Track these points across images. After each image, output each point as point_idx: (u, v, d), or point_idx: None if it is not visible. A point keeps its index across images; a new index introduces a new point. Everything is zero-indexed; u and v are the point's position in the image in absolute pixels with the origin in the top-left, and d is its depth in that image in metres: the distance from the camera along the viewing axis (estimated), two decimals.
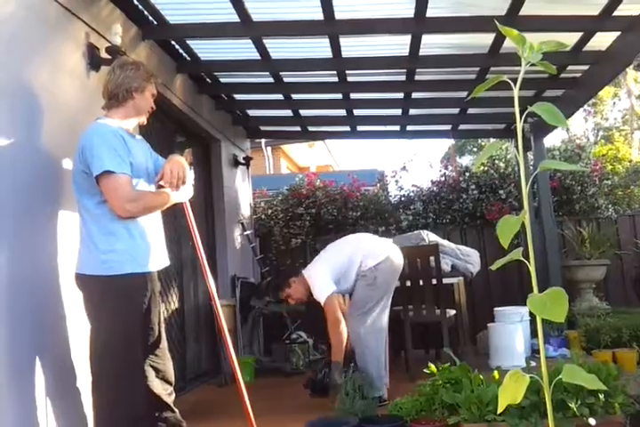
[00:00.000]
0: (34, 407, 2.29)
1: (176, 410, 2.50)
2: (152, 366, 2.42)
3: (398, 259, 3.80)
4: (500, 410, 1.18)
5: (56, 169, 2.60)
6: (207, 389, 4.63)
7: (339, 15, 3.57)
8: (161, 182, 2.44)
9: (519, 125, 1.21)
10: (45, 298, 2.45)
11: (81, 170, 2.30)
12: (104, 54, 3.05)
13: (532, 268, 1.19)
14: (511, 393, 1.14)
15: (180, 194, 2.49)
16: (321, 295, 3.66)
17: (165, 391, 2.47)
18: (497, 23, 1.24)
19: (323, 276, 3.69)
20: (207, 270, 2.68)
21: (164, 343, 2.50)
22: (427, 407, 2.57)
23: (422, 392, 2.67)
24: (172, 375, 2.52)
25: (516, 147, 1.06)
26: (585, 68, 4.41)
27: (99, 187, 2.26)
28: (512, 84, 1.21)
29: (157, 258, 2.43)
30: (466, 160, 18.35)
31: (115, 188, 2.25)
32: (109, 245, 2.27)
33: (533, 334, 5.16)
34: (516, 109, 1.20)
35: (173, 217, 4.10)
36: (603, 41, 3.92)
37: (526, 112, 1.19)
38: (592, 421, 2.10)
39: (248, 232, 5.98)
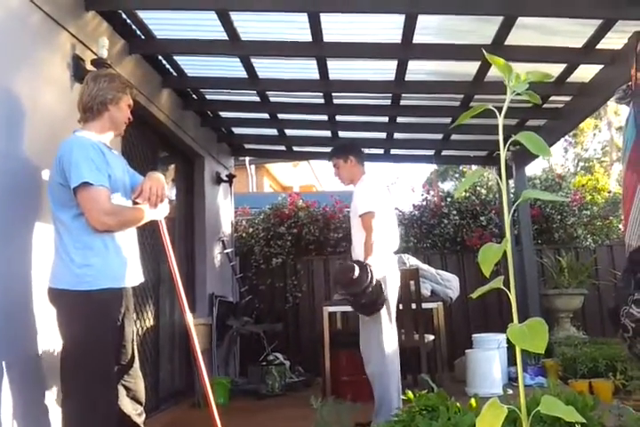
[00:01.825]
0: None
1: None
2: (123, 385, 2.36)
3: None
4: None
5: (35, 180, 2.54)
6: (180, 409, 4.52)
7: (327, 37, 3.60)
8: (138, 200, 2.40)
9: (502, 153, 1.21)
10: (17, 312, 2.38)
11: (58, 182, 2.26)
12: (89, 66, 3.03)
13: (512, 297, 1.17)
14: (489, 424, 1.12)
15: (156, 212, 2.46)
16: (364, 206, 3.40)
17: (135, 411, 2.39)
18: (484, 51, 1.25)
19: (372, 196, 3.45)
20: (180, 288, 2.63)
21: (136, 362, 2.44)
22: None
23: (399, 419, 2.61)
24: (142, 395, 2.45)
25: (499, 174, 1.05)
26: (568, 99, 4.49)
27: (76, 199, 2.22)
28: (497, 112, 1.21)
29: (133, 274, 2.38)
30: (448, 186, 18.51)
31: (92, 199, 2.21)
32: (85, 260, 2.22)
33: (511, 361, 5.14)
34: (500, 138, 1.20)
35: (151, 232, 4.04)
36: (586, 73, 4.00)
37: (510, 140, 1.19)
38: None
39: (228, 250, 5.92)
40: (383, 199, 3.54)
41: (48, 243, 2.40)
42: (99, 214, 2.22)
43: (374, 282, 3.24)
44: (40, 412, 2.43)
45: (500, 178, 1.21)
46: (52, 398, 2.44)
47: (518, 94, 1.22)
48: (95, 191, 2.21)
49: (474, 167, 15.48)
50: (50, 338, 2.46)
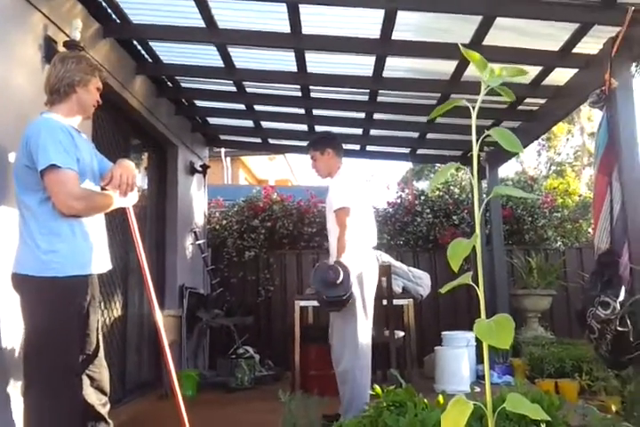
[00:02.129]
0: None
1: (110, 422, 2.37)
2: (87, 375, 2.31)
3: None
4: None
5: (1, 162, 2.47)
6: (147, 401, 4.45)
7: (305, 30, 3.57)
8: (107, 187, 2.35)
9: (475, 150, 1.20)
10: None
11: (24, 164, 2.19)
12: (61, 48, 2.95)
13: (480, 292, 1.17)
14: (454, 420, 1.11)
15: (125, 199, 2.41)
16: (339, 201, 3.35)
17: (99, 402, 2.35)
18: (460, 47, 1.24)
19: (348, 191, 3.41)
20: (149, 280, 2.59)
21: (101, 352, 2.39)
22: None
23: (366, 414, 2.61)
24: (107, 385, 2.40)
25: (472, 173, 1.05)
26: (542, 101, 4.53)
27: (43, 182, 2.16)
28: (471, 108, 1.20)
29: (100, 261, 2.34)
30: (423, 185, 18.64)
31: (60, 182, 2.15)
32: (50, 246, 2.17)
33: (479, 359, 5.20)
34: (473, 135, 1.19)
35: (121, 220, 3.96)
36: (561, 76, 4.03)
37: (483, 135, 1.18)
38: None
39: (200, 242, 5.85)
40: (360, 194, 3.50)
41: (13, 228, 2.33)
42: (66, 198, 2.16)
43: (351, 285, 3.23)
44: (1, 401, 2.37)
45: (473, 176, 1.20)
46: (14, 387, 2.38)
47: (493, 94, 1.22)
48: (63, 174, 2.15)
49: (447, 164, 15.60)
50: (13, 325, 2.39)
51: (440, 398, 2.61)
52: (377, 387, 2.81)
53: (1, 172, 2.46)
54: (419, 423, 2.41)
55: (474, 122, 1.21)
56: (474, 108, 1.21)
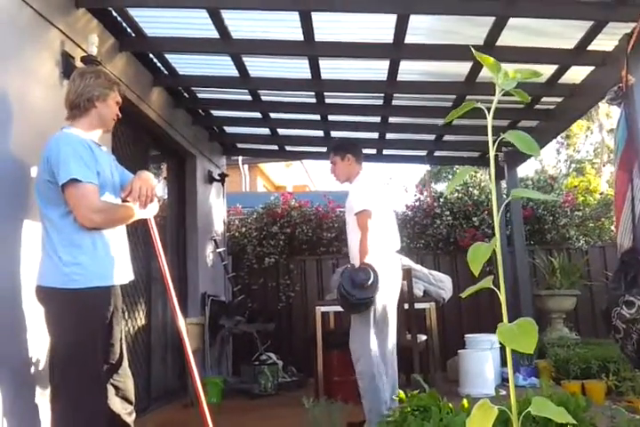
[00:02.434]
0: None
1: None
2: (112, 384, 2.34)
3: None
4: None
5: (23, 178, 2.52)
6: (172, 409, 4.49)
7: (318, 37, 3.59)
8: (128, 198, 2.38)
9: (492, 152, 1.20)
10: (5, 310, 2.36)
11: (45, 179, 2.24)
12: (79, 63, 3.00)
13: (502, 296, 1.16)
14: (479, 425, 1.11)
15: (145, 210, 2.44)
16: (359, 204, 3.36)
17: (125, 411, 2.38)
18: (473, 50, 1.24)
19: (368, 195, 3.41)
20: (171, 289, 2.61)
21: (125, 361, 2.42)
22: None
23: (391, 419, 2.60)
24: (132, 394, 2.43)
25: (489, 175, 1.06)
26: (559, 100, 4.49)
27: (64, 196, 2.20)
28: (486, 111, 1.20)
29: (122, 272, 2.37)
30: (441, 187, 18.54)
31: (81, 196, 2.19)
32: (73, 258, 2.20)
33: (503, 362, 5.14)
34: (490, 137, 1.19)
35: (143, 230, 4.01)
36: (577, 74, 4.00)
37: (499, 139, 1.18)
38: None
39: (220, 249, 5.89)
40: (380, 198, 3.50)
41: (36, 241, 2.37)
42: (87, 212, 2.20)
43: (379, 287, 3.24)
44: (30, 410, 2.41)
45: (491, 178, 1.20)
46: (41, 396, 2.42)
47: (510, 94, 1.22)
48: (84, 188, 2.19)
49: (465, 167, 15.51)
50: (39, 336, 2.44)
51: (465, 402, 2.60)
52: (401, 392, 2.81)
53: (23, 187, 2.51)
54: None
55: (489, 124, 1.20)
56: (489, 110, 1.21)
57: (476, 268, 1.11)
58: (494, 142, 1.19)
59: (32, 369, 2.45)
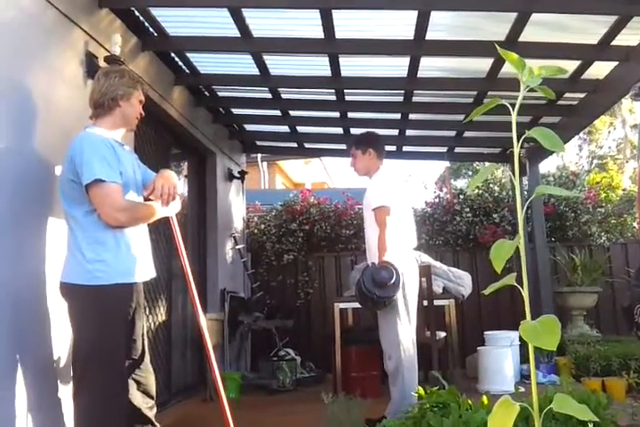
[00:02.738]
0: (14, 417, 2.23)
1: (157, 425, 2.44)
2: (133, 379, 2.39)
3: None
4: None
5: (49, 177, 2.57)
6: (192, 403, 4.55)
7: (339, 34, 3.59)
8: (151, 197, 2.42)
9: (516, 150, 1.20)
10: (30, 306, 2.41)
11: (69, 179, 2.28)
12: (102, 63, 3.04)
13: (525, 293, 1.17)
14: (500, 422, 1.12)
15: (168, 208, 2.47)
16: (378, 200, 3.34)
17: (146, 405, 2.42)
18: (497, 47, 1.24)
19: (387, 191, 3.39)
20: (192, 285, 2.65)
21: (147, 357, 2.47)
22: None
23: (410, 415, 2.61)
24: (153, 389, 2.48)
25: (512, 171, 1.06)
26: (582, 95, 4.44)
27: (88, 196, 2.24)
28: (510, 108, 1.21)
29: (144, 269, 2.41)
30: (461, 183, 18.42)
31: (105, 196, 2.23)
32: (97, 255, 2.25)
33: (523, 358, 5.12)
34: (514, 134, 1.19)
35: (164, 228, 4.07)
36: (601, 70, 3.96)
37: (524, 137, 1.18)
38: None
39: (240, 246, 5.94)
40: (399, 194, 3.49)
41: (61, 238, 2.43)
42: (111, 210, 2.24)
43: (402, 286, 3.24)
44: (53, 405, 2.46)
45: (514, 174, 1.20)
46: (64, 390, 2.47)
47: (532, 90, 1.22)
48: (107, 187, 2.23)
49: (487, 165, 15.41)
50: (62, 332, 2.48)
51: (484, 398, 2.60)
52: (420, 388, 2.81)
53: (47, 185, 2.56)
54: (462, 424, 2.40)
55: (514, 121, 1.20)
56: (513, 106, 1.21)
57: (499, 265, 1.11)
58: (518, 139, 1.19)
59: (55, 365, 2.51)
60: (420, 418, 2.56)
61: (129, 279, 2.31)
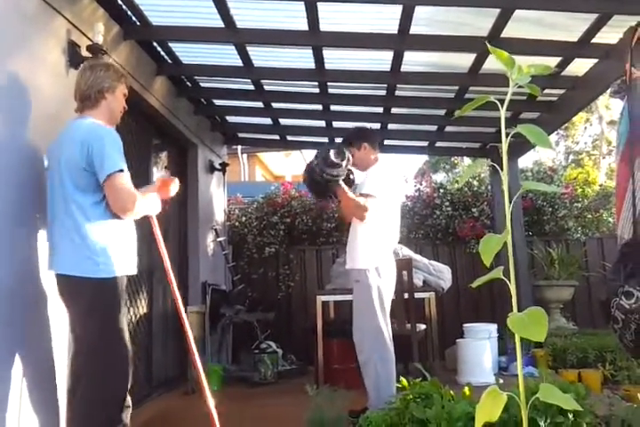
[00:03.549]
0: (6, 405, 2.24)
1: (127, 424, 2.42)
2: None
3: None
4: None
5: (35, 164, 2.53)
6: (173, 396, 4.54)
7: (323, 27, 3.58)
8: None
9: (505, 145, 1.23)
10: (29, 299, 2.40)
11: (81, 167, 2.27)
12: (85, 52, 3.00)
13: (512, 287, 1.20)
14: (488, 411, 1.14)
15: (152, 208, 2.54)
16: (370, 188, 3.35)
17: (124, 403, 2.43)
18: (487, 45, 1.26)
19: (384, 183, 3.42)
20: (173, 281, 2.67)
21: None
22: (397, 422, 2.55)
23: (393, 406, 2.65)
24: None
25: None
26: (561, 92, 4.50)
27: (104, 186, 2.26)
28: (499, 104, 1.23)
29: (134, 262, 2.46)
30: (439, 177, 18.57)
31: (124, 185, 2.27)
32: (103, 247, 2.27)
33: (500, 351, 5.21)
34: (503, 130, 1.22)
35: (143, 219, 4.03)
36: (580, 67, 4.01)
37: (512, 132, 1.20)
38: None
39: (221, 239, 5.92)
40: (394, 190, 3.51)
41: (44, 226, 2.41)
42: (126, 202, 2.27)
43: (346, 170, 3.30)
44: (51, 401, 2.47)
45: (502, 168, 1.22)
46: (63, 386, 2.48)
47: (520, 87, 1.24)
48: (127, 179, 2.29)
49: (466, 159, 15.54)
50: (62, 325, 2.49)
51: (466, 389, 2.65)
52: (403, 380, 2.85)
53: (39, 173, 2.51)
54: (445, 415, 2.44)
55: (503, 117, 1.23)
56: (500, 102, 1.24)
57: (488, 259, 1.14)
58: (507, 137, 1.22)
59: (54, 359, 2.51)
60: (403, 409, 2.60)
61: (128, 271, 2.37)
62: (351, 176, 3.49)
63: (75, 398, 2.27)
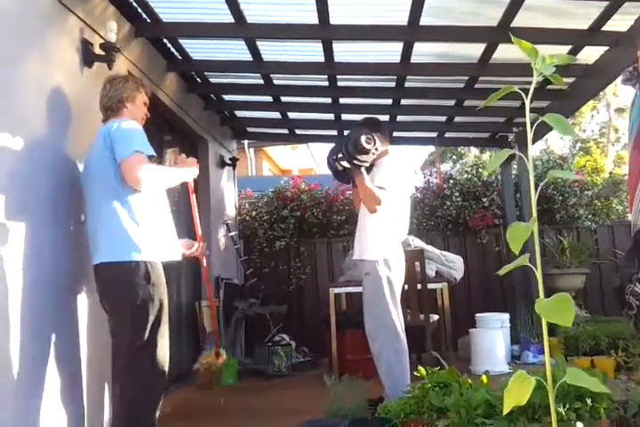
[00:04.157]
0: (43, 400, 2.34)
1: None
2: None
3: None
4: (505, 412, 1.20)
5: (53, 161, 2.60)
6: (187, 390, 4.58)
7: (333, 20, 3.59)
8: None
9: (530, 134, 1.25)
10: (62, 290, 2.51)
11: (107, 156, 2.43)
12: (98, 50, 3.02)
13: (538, 273, 1.22)
14: (516, 395, 1.17)
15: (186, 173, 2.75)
16: (385, 182, 3.31)
17: None
18: (511, 36, 1.28)
19: (396, 177, 3.40)
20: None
21: None
22: (415, 410, 2.58)
23: (411, 395, 2.68)
24: None
25: (526, 157, 1.10)
26: (571, 80, 4.50)
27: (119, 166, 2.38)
28: (523, 94, 1.25)
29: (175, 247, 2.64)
30: (445, 167, 18.52)
31: (133, 161, 2.38)
32: (143, 233, 2.40)
33: (513, 340, 5.24)
34: (527, 119, 1.24)
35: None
36: (591, 55, 4.00)
37: (538, 121, 1.22)
38: (579, 425, 2.14)
39: (232, 233, 5.96)
40: (405, 182, 3.49)
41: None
42: (135, 169, 2.37)
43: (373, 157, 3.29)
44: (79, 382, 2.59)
45: (528, 158, 1.24)
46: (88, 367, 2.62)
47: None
48: (140, 157, 2.41)
49: (473, 149, 15.49)
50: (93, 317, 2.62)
51: (484, 377, 2.67)
52: (421, 369, 2.88)
53: (56, 171, 2.60)
54: (464, 403, 2.47)
55: (527, 107, 1.26)
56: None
57: (517, 247, 1.16)
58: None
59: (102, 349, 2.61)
60: (422, 398, 2.63)
61: (169, 257, 2.53)
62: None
63: (121, 385, 2.39)
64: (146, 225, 2.42)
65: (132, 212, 2.40)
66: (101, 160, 2.43)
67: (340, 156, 3.28)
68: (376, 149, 3.25)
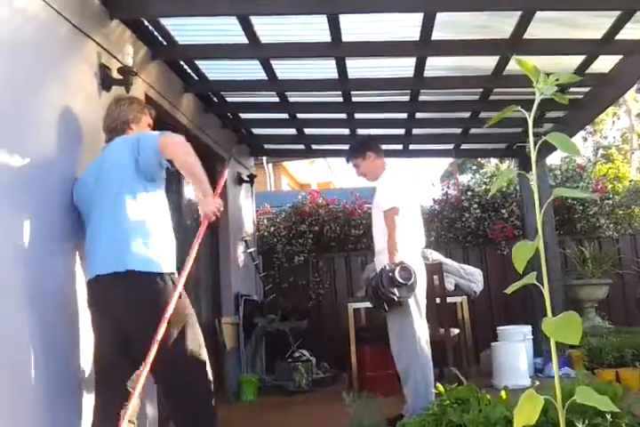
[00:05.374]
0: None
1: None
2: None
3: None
4: None
5: (67, 186, 2.63)
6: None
7: (346, 37, 3.63)
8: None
9: (533, 154, 1.25)
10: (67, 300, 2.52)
11: (135, 158, 2.44)
12: (116, 74, 3.10)
13: (545, 292, 1.22)
14: (526, 414, 1.16)
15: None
16: (388, 202, 3.37)
17: None
18: (515, 58, 1.29)
19: (396, 191, 3.43)
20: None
21: None
22: None
23: (430, 413, 2.66)
24: None
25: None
26: (587, 90, 4.47)
27: (158, 143, 2.42)
28: (526, 114, 1.26)
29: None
30: (465, 178, 18.44)
31: (176, 137, 2.54)
32: (161, 245, 2.42)
33: (536, 353, 5.15)
34: (531, 136, 1.25)
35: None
36: (605, 64, 3.99)
37: (540, 142, 1.23)
38: None
39: (251, 249, 5.99)
40: (408, 193, 3.52)
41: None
42: (179, 144, 2.56)
43: (414, 288, 3.28)
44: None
45: (526, 169, 1.25)
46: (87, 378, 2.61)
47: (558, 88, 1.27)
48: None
49: (492, 160, 15.40)
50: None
51: (502, 393, 2.64)
52: (439, 386, 2.85)
53: (69, 192, 2.62)
54: (483, 419, 2.45)
55: (530, 123, 1.26)
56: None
57: (521, 265, 1.16)
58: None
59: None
60: (440, 415, 2.60)
61: (172, 269, 2.49)
62: None
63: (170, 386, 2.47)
64: (167, 237, 2.47)
65: (154, 223, 2.43)
66: (124, 170, 2.43)
67: (380, 291, 3.25)
68: (415, 277, 3.24)
